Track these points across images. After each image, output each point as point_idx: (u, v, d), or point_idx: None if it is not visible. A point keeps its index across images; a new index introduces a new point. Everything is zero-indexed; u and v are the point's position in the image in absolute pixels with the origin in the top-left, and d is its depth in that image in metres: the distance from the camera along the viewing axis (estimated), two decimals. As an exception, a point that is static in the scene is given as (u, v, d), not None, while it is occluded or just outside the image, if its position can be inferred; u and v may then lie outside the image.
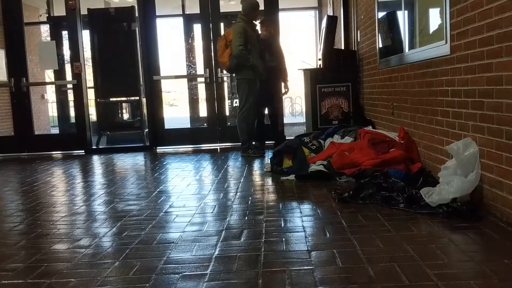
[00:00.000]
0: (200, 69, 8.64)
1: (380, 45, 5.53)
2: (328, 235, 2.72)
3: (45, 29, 12.57)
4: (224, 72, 7.05)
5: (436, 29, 3.83)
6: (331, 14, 8.45)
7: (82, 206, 3.84)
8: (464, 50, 3.18)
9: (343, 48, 7.47)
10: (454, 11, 3.33)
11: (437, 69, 3.66)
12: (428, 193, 3.11)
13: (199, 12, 7.41)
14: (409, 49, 4.53)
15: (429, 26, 4.26)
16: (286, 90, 6.81)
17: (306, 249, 2.48)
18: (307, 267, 2.22)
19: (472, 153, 3.00)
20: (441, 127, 3.62)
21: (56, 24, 9.75)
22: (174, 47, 11.36)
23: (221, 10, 7.46)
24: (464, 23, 3.17)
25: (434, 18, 4.05)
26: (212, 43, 7.22)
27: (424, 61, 3.95)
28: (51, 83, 10.61)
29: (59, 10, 9.21)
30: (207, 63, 7.33)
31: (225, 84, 7.67)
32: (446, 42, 3.46)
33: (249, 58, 5.86)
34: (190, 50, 9.46)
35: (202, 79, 7.61)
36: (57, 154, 7.41)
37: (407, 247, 2.43)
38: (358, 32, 6.75)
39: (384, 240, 2.55)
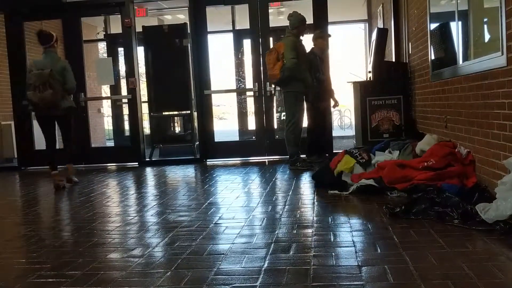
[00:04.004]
0: (249, 83, 8.75)
1: (433, 57, 5.42)
2: (379, 250, 2.68)
3: (102, 46, 13.12)
4: (273, 86, 7.12)
5: (492, 40, 3.72)
6: (381, 26, 8.36)
7: (135, 216, 3.96)
8: (522, 61, 3.07)
9: (393, 60, 7.37)
10: (510, 21, 3.23)
11: (493, 81, 3.55)
12: (484, 209, 3.00)
13: (249, 27, 7.54)
14: (463, 61, 4.41)
15: (484, 37, 4.14)
16: (336, 103, 6.94)
17: (356, 264, 2.45)
18: (357, 283, 2.20)
19: (531, 168, 2.88)
20: (498, 141, 3.50)
21: (112, 41, 10.18)
22: (224, 62, 11.56)
23: (271, 25, 7.54)
24: (521, 34, 3.07)
25: (489, 29, 3.93)
26: (261, 58, 7.30)
27: (479, 73, 3.83)
28: (107, 97, 11.03)
29: (116, 28, 9.60)
30: (256, 77, 7.42)
31: (274, 98, 7.72)
32: (502, 54, 3.36)
33: (302, 70, 5.94)
34: (239, 65, 9.60)
35: (251, 93, 7.70)
36: (112, 166, 7.69)
37: (462, 264, 2.35)
38: (410, 44, 6.64)
39: (438, 257, 2.48)
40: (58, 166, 5.61)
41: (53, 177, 5.56)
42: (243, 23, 8.46)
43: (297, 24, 6.03)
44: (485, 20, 4.13)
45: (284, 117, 6.67)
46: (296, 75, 5.91)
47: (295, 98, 6.03)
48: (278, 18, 9.90)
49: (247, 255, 2.69)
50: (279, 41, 6.15)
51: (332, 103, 6.90)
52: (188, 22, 7.64)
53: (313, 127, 6.65)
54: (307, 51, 6.30)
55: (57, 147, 5.86)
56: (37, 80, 5.20)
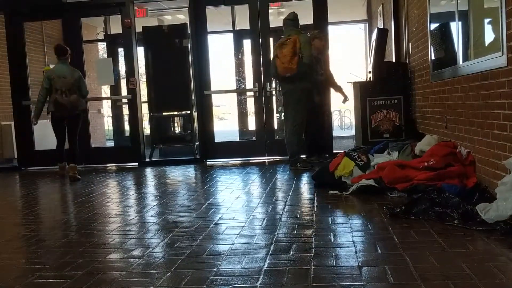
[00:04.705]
0: (249, 83, 8.75)
1: (433, 57, 5.42)
2: (379, 250, 2.67)
3: (102, 46, 13.11)
4: (273, 86, 7.12)
5: (492, 40, 3.71)
6: (382, 26, 8.36)
7: (135, 217, 3.96)
8: (522, 62, 3.07)
9: (394, 60, 7.37)
10: (510, 21, 3.23)
11: (493, 81, 3.54)
12: (485, 209, 3.00)
13: (249, 27, 7.53)
14: (463, 61, 4.41)
15: (484, 37, 4.14)
16: (346, 98, 7.04)
17: (357, 264, 2.45)
18: (357, 283, 2.20)
19: (532, 168, 2.88)
20: (498, 141, 3.50)
21: (112, 42, 10.18)
22: (224, 62, 11.57)
23: (271, 25, 7.53)
24: (522, 34, 3.07)
25: (490, 29, 3.93)
26: (261, 58, 7.30)
27: (480, 73, 3.83)
28: (107, 98, 11.02)
29: (115, 28, 9.61)
30: (256, 78, 7.41)
31: (274, 98, 7.72)
32: (502, 54, 3.35)
33: (314, 69, 6.01)
34: (239, 65, 9.60)
35: (251, 93, 7.69)
36: (112, 166, 7.68)
37: (462, 265, 2.35)
38: (410, 44, 6.64)
39: (438, 257, 2.48)
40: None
41: (60, 168, 6.42)
42: (243, 23, 8.46)
43: (298, 23, 6.04)
44: (485, 20, 4.13)
45: (284, 118, 6.61)
46: (308, 73, 5.91)
47: (304, 96, 5.96)
48: (278, 18, 9.90)
49: (247, 256, 2.69)
50: (291, 36, 5.82)
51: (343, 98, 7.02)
52: (188, 23, 7.64)
53: (313, 128, 6.63)
54: None
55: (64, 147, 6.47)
56: (63, 86, 6.12)
